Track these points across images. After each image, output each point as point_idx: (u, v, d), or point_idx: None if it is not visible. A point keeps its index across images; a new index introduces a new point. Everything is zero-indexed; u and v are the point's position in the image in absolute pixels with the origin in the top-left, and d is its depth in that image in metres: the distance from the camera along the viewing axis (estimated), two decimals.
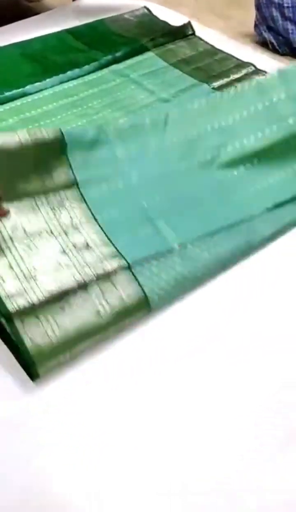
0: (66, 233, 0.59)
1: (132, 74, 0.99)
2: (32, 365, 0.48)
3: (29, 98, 0.90)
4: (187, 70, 1.01)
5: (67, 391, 0.49)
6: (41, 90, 0.92)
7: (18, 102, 0.89)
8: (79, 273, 0.54)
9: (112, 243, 0.59)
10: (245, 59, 1.05)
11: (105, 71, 0.99)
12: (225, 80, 0.98)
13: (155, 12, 1.22)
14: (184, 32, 1.13)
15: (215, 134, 0.75)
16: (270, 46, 1.14)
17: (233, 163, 0.73)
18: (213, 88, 0.96)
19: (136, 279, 0.56)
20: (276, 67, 1.02)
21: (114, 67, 1.00)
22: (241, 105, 0.78)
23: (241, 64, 1.04)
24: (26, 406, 0.47)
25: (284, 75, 0.83)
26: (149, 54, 1.05)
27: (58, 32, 1.12)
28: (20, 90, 0.90)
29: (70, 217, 0.61)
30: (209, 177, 0.71)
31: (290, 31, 1.10)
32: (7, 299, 0.50)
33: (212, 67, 1.03)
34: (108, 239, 0.60)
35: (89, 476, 0.43)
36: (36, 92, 0.92)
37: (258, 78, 0.99)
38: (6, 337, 0.50)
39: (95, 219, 0.62)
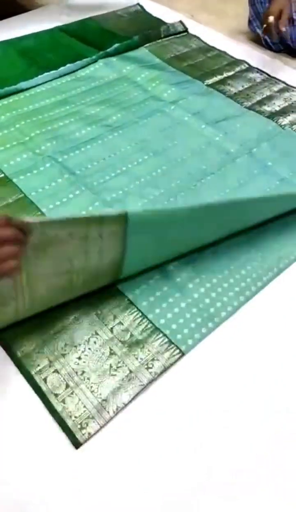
0: None
1: (125, 70, 0.98)
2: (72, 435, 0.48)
3: (22, 95, 0.90)
4: (180, 66, 1.01)
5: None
6: (34, 86, 0.92)
7: (10, 99, 0.89)
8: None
9: None
10: (238, 56, 1.05)
11: (97, 65, 0.99)
12: (218, 77, 0.99)
13: (148, 9, 1.22)
14: (176, 30, 1.13)
15: None
16: (263, 43, 1.14)
17: None
18: (207, 85, 0.96)
19: None
20: (269, 65, 1.03)
21: (106, 60, 1.00)
22: None
23: (234, 62, 1.04)
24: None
25: None
26: (142, 50, 1.05)
27: (51, 29, 1.12)
28: (12, 87, 0.90)
29: None
30: None
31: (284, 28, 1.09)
32: None
33: (205, 65, 1.03)
34: None
35: None
36: (29, 88, 0.91)
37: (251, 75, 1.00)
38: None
39: None
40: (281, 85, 0.98)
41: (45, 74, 0.94)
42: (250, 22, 1.16)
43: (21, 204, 0.69)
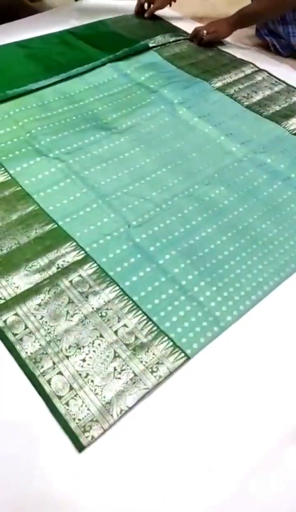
0: None
1: (134, 73, 0.98)
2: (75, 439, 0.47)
3: (30, 96, 0.91)
4: (188, 69, 1.01)
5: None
6: (42, 88, 0.92)
7: (18, 100, 0.89)
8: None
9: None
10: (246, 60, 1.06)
11: (106, 68, 0.99)
12: (227, 80, 0.99)
13: (157, 13, 1.22)
14: (185, 34, 1.13)
15: None
16: (272, 49, 1.14)
17: None
18: (216, 89, 0.96)
19: None
20: (277, 68, 1.03)
21: (115, 64, 1.00)
22: None
23: (243, 65, 1.05)
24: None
25: None
26: (152, 54, 1.05)
27: (60, 32, 1.12)
28: (21, 88, 0.90)
29: None
30: None
31: (291, 34, 1.09)
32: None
33: (213, 68, 1.03)
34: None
35: None
36: (38, 89, 0.92)
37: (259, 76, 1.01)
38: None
39: None
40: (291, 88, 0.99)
41: (54, 76, 0.94)
42: (257, 30, 1.16)
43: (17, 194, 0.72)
